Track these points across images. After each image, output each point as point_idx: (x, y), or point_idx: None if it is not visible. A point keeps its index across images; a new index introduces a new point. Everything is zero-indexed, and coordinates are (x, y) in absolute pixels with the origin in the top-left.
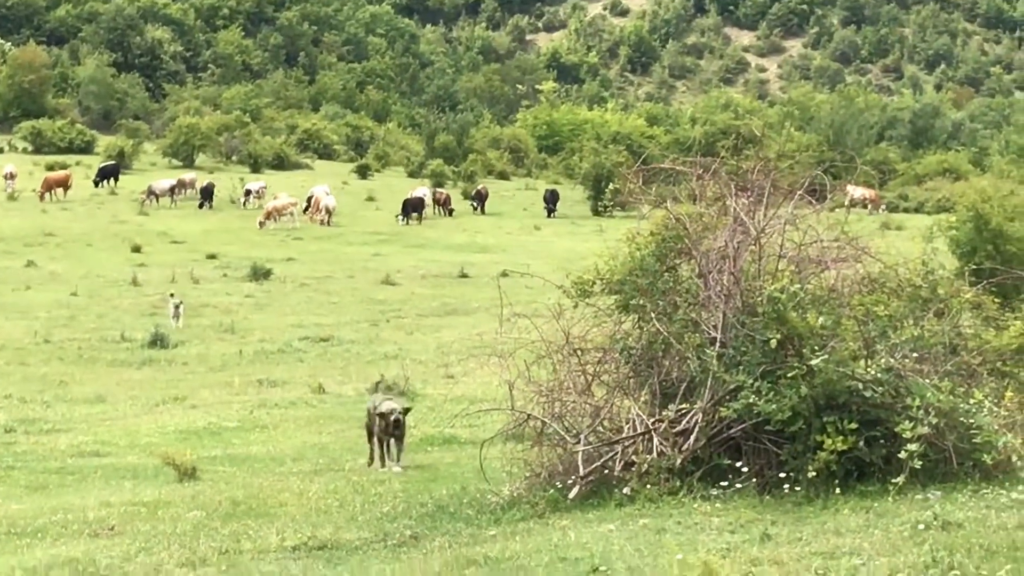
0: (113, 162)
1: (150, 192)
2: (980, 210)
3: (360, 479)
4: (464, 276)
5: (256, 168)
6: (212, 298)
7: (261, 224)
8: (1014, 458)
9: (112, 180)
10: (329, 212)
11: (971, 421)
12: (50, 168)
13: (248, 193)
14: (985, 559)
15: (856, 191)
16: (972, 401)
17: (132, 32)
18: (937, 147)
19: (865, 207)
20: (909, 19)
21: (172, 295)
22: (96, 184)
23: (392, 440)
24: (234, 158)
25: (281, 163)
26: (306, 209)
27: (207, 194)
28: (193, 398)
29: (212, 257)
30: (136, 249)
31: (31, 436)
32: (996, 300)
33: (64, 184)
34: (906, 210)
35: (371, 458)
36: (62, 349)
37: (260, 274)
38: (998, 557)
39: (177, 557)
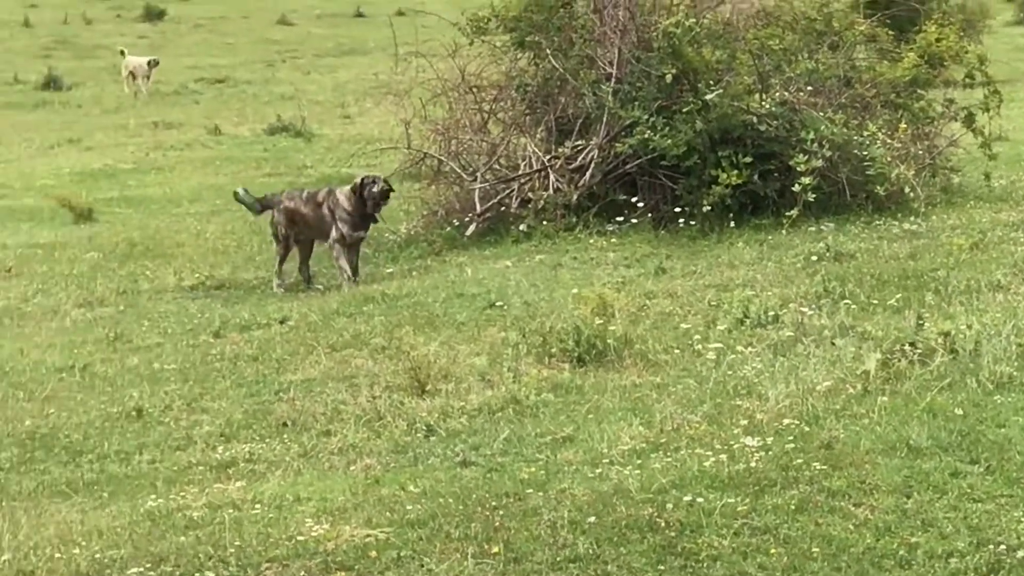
0: None
1: None
2: None
3: (257, 219)
4: (360, 15)
5: None
6: (105, 39)
7: None
8: (906, 189)
9: None
10: None
11: (864, 153)
12: None
13: None
14: (876, 288)
15: None
16: (865, 133)
17: None
18: None
19: None
20: None
21: (122, 51)
22: None
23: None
24: None
25: None
26: None
27: None
28: (88, 140)
29: None
30: None
31: None
32: (890, 32)
33: None
34: None
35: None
36: None
37: (154, 15)
38: (889, 286)
39: (75, 297)
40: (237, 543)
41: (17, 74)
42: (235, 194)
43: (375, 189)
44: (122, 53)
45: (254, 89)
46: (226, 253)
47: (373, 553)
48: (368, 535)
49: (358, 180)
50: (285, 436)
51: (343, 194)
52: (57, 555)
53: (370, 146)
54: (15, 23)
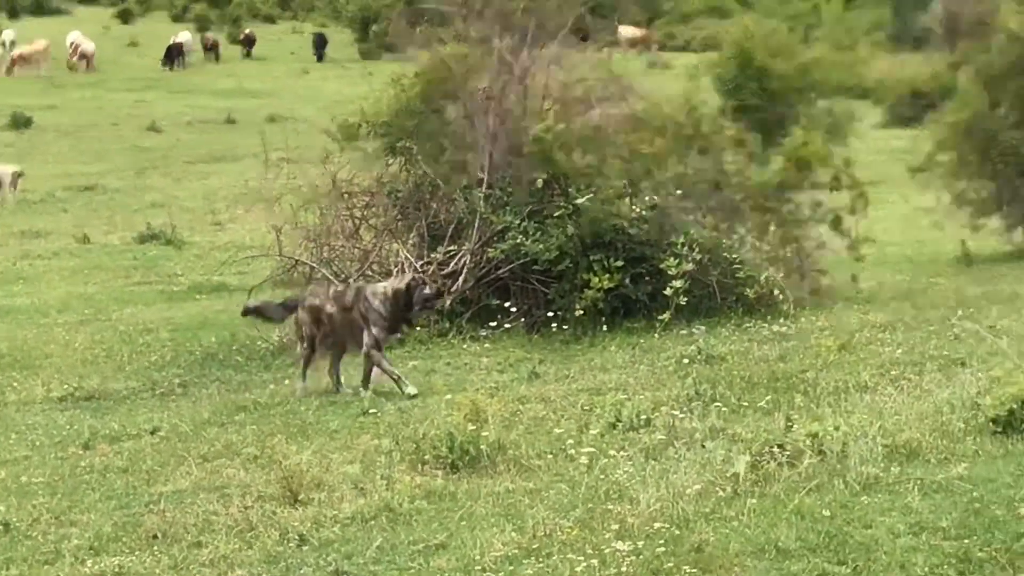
0: None
1: None
2: (744, 48)
3: (127, 328)
4: (230, 122)
5: (14, 14)
6: None
7: (9, 71)
8: (776, 292)
9: None
10: (87, 57)
11: (734, 256)
12: None
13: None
14: (746, 390)
15: (627, 31)
16: (735, 237)
17: None
18: None
19: (635, 46)
20: None
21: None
22: None
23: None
24: None
25: (40, 8)
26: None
27: None
28: None
29: None
30: None
31: None
32: (758, 137)
33: None
34: (673, 48)
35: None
36: None
37: (21, 122)
38: (759, 388)
39: None
40: None
41: None
42: (245, 309)
43: (427, 291)
44: None
45: (124, 197)
46: (95, 363)
47: None
48: None
49: (403, 283)
50: (155, 548)
51: (376, 296)
52: None
53: (241, 253)
54: None
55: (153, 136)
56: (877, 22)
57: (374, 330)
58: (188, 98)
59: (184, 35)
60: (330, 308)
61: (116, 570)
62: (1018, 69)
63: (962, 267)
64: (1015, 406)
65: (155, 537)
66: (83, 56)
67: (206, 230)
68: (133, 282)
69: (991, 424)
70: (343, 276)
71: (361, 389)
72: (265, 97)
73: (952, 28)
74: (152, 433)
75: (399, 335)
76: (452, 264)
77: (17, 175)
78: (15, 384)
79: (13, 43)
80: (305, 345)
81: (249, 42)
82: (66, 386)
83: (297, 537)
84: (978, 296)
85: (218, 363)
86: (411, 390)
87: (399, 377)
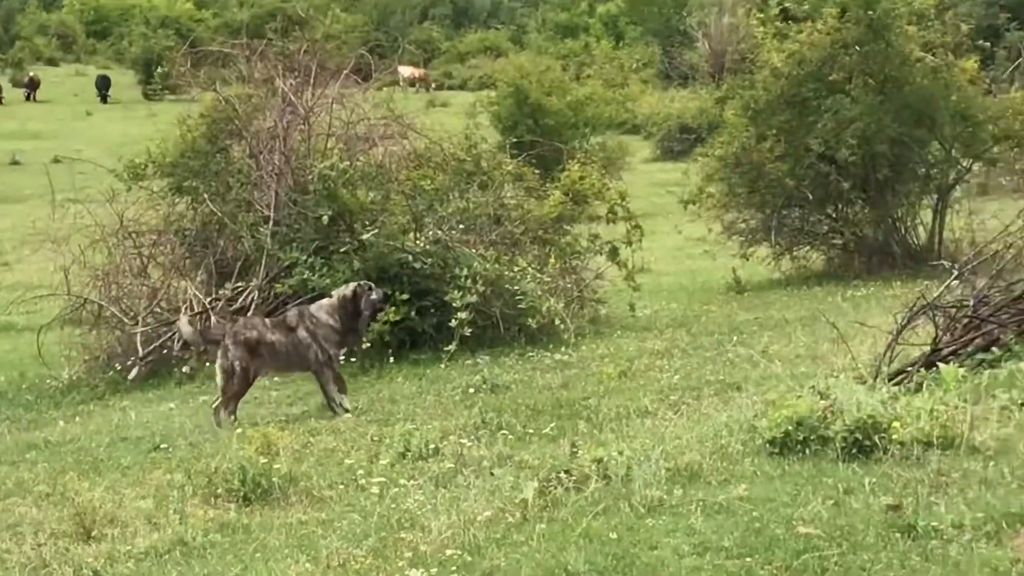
0: None
1: None
2: (519, 86)
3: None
4: (16, 163)
5: None
6: None
7: None
8: (557, 321)
9: None
10: None
11: (516, 288)
12: None
13: None
14: (531, 418)
15: (406, 70)
16: (516, 269)
17: None
18: (478, 26)
19: (413, 85)
20: None
21: None
22: None
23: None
24: None
25: None
26: None
27: None
28: None
29: None
30: None
31: None
32: (536, 171)
33: None
34: (451, 87)
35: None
36: None
37: None
38: (543, 416)
39: None
40: None
41: None
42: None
43: (373, 296)
44: None
45: None
46: None
47: None
48: None
49: (349, 291)
50: None
51: (323, 309)
52: None
53: (29, 293)
54: None
55: None
56: (646, 60)
57: (325, 345)
58: None
59: None
60: (271, 336)
61: None
62: (781, 103)
63: (733, 294)
64: (790, 428)
65: None
66: None
67: None
68: None
69: (768, 446)
70: (132, 313)
71: (338, 410)
72: (50, 139)
73: (718, 65)
74: None
75: (347, 347)
76: (240, 300)
77: None
78: None
79: None
80: (237, 380)
81: (33, 85)
82: None
83: (91, 573)
84: (750, 322)
85: (7, 401)
86: (346, 405)
87: (343, 406)
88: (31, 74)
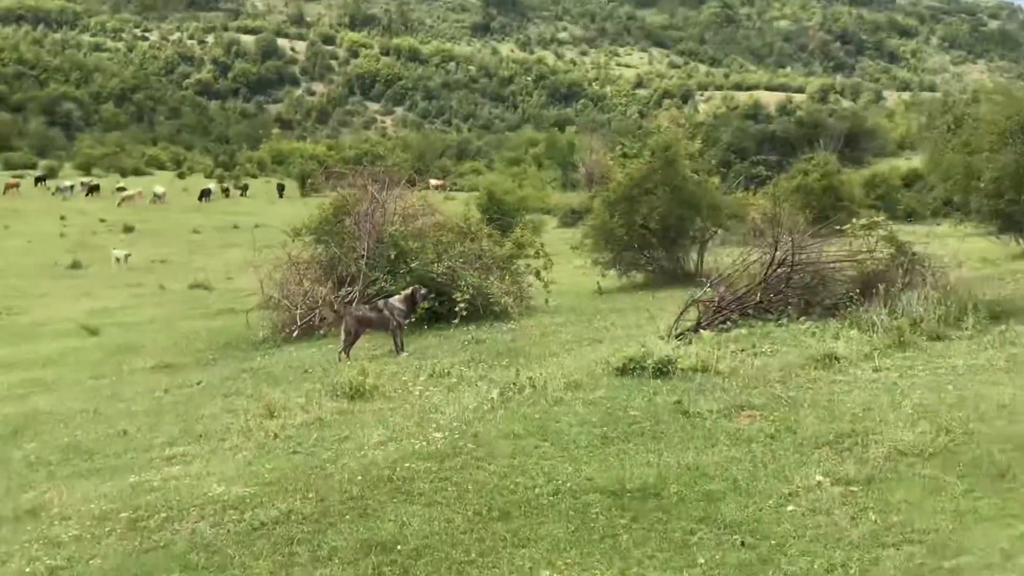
0: None
1: None
2: (491, 189)
3: (185, 331)
4: (235, 227)
5: None
6: None
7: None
8: (509, 309)
9: None
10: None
11: (489, 292)
12: None
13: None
14: (497, 357)
15: (433, 181)
16: (489, 281)
17: None
18: (472, 159)
19: (438, 188)
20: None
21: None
22: None
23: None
24: None
25: None
26: None
27: None
28: None
29: None
30: None
31: None
32: (499, 231)
33: None
34: (457, 189)
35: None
36: None
37: (128, 228)
38: (503, 356)
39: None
40: None
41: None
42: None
43: (422, 291)
44: None
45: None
46: (169, 349)
47: None
48: None
49: (409, 291)
50: (200, 442)
51: (397, 300)
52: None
53: (242, 293)
54: None
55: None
56: (554, 177)
57: (398, 318)
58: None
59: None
60: (369, 314)
61: (181, 453)
62: (622, 199)
63: (598, 295)
64: (626, 361)
65: (200, 436)
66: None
67: (221, 282)
68: (188, 308)
69: (615, 371)
70: (294, 303)
71: (400, 353)
72: (252, 215)
73: (591, 177)
74: (197, 384)
75: (408, 320)
76: (350, 296)
77: (127, 255)
78: (128, 361)
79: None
80: (350, 337)
81: (207, 193)
82: (154, 361)
83: (273, 434)
84: (606, 309)
85: (233, 348)
86: (404, 351)
87: (400, 348)
88: (207, 187)
